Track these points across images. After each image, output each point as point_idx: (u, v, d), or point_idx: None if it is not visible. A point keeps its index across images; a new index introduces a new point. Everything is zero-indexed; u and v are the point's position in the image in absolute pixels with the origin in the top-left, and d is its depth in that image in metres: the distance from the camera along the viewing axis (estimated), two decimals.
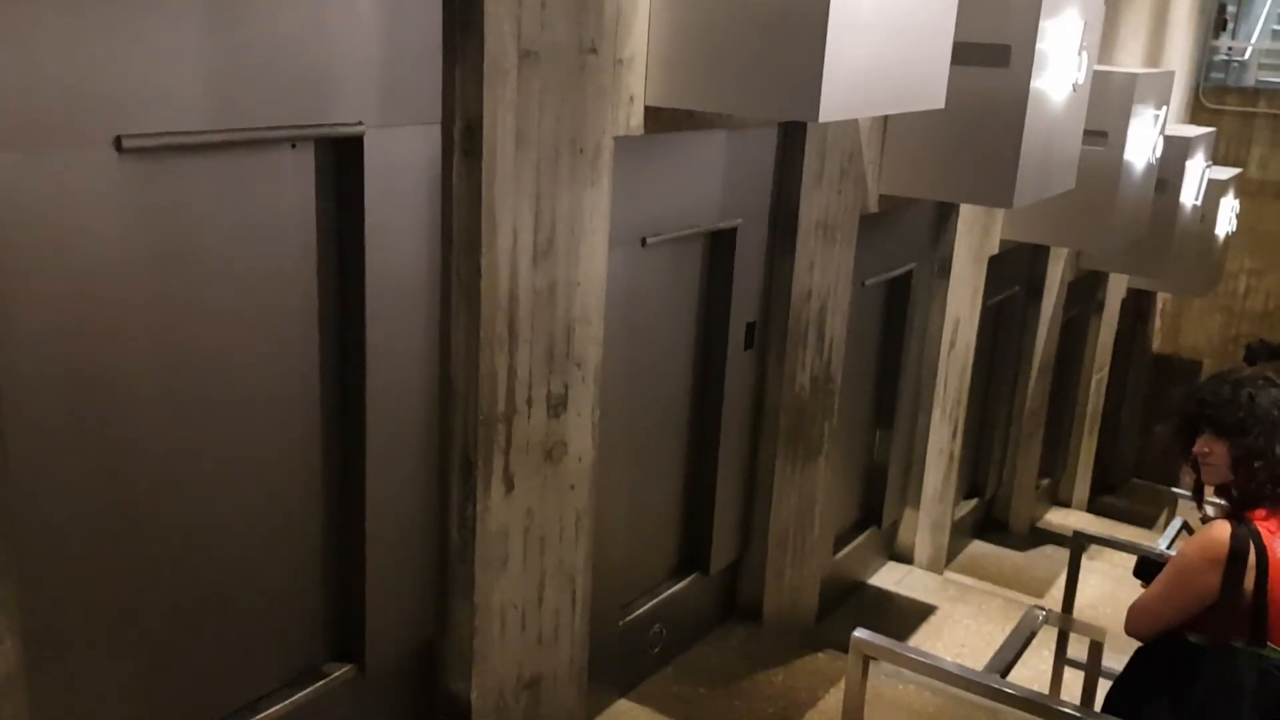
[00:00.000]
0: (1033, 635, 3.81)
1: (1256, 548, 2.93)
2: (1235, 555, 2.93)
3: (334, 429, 3.15)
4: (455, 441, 3.35)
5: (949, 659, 5.45)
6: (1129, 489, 11.27)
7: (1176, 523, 6.02)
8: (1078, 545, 5.32)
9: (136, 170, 2.50)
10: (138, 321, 2.58)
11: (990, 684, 3.14)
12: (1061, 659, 4.65)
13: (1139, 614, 3.22)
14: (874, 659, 3.28)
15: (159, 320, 2.63)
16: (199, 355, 2.75)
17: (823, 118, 3.34)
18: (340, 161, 2.97)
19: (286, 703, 3.11)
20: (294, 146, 2.86)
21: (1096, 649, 4.17)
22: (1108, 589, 7.31)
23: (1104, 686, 4.54)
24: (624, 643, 4.43)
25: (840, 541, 6.07)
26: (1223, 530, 2.99)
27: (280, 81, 2.74)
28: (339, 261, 3.04)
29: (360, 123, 2.92)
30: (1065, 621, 4.57)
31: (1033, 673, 5.18)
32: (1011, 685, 3.21)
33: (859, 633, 3.20)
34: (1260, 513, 3.02)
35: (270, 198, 2.84)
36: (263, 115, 2.72)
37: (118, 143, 2.42)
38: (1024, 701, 3.11)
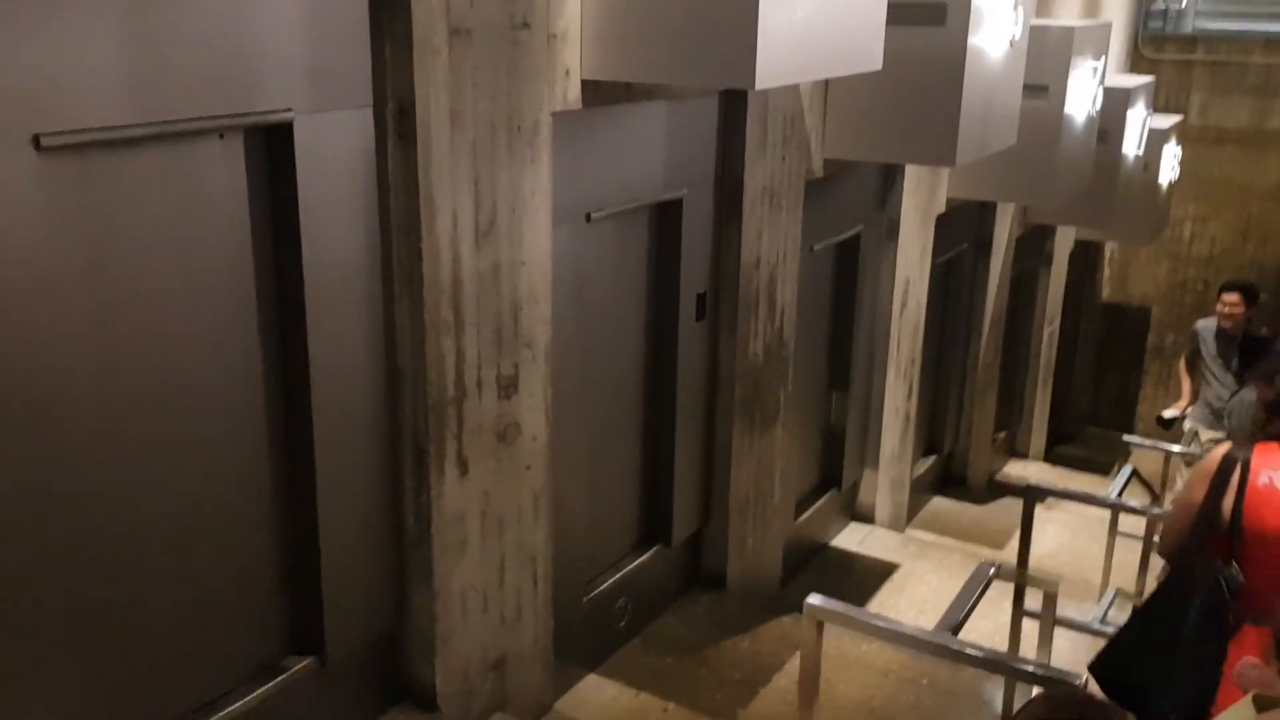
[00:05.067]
0: (984, 590, 3.87)
1: (1241, 471, 3.11)
2: (1221, 471, 3.13)
3: (279, 420, 3.11)
4: (406, 427, 3.33)
5: (910, 616, 5.52)
6: (1084, 438, 11.43)
7: (1127, 469, 6.12)
8: (1030, 499, 5.38)
9: (57, 169, 2.44)
10: (68, 323, 2.53)
11: (940, 642, 3.19)
12: (1019, 611, 4.72)
13: (1162, 534, 3.43)
14: (829, 623, 3.31)
15: (91, 321, 2.58)
16: (136, 354, 2.70)
17: (759, 85, 3.32)
18: (271, 150, 2.91)
19: (247, 699, 3.09)
20: (222, 137, 2.80)
21: (1050, 600, 4.24)
22: (1066, 538, 7.43)
23: (1060, 635, 4.63)
24: (590, 618, 4.44)
25: (801, 505, 6.12)
26: (1221, 449, 3.22)
27: (204, 70, 2.68)
28: (275, 252, 2.99)
29: (289, 109, 2.87)
30: (1019, 575, 4.64)
31: (993, 625, 5.26)
32: (960, 641, 3.26)
33: (812, 599, 3.23)
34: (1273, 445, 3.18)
35: (200, 190, 2.78)
36: (187, 106, 2.66)
37: (36, 141, 2.36)
38: (971, 657, 3.16)
